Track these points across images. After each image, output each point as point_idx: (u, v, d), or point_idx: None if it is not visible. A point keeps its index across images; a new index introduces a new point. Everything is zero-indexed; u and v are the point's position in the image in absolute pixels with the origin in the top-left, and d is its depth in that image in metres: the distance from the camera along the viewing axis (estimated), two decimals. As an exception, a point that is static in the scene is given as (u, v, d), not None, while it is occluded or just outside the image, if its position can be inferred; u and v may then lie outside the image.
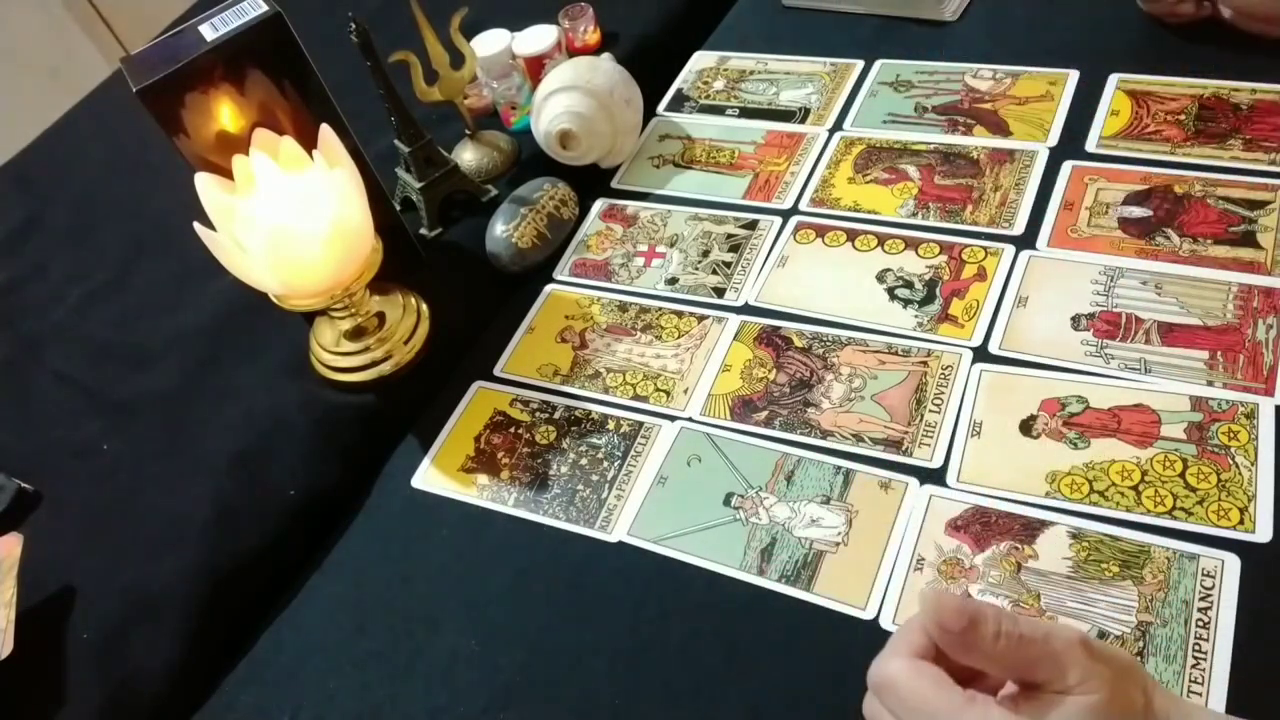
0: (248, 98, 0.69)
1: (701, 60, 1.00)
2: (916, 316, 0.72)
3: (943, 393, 0.67)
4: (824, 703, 0.55)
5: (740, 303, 0.77)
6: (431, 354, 0.78)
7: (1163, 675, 0.52)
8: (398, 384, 0.77)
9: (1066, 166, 0.78)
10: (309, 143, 0.70)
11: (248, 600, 0.69)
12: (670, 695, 0.57)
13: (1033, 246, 0.73)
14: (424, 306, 0.80)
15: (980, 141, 0.82)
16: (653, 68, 0.98)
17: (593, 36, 1.00)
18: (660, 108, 0.96)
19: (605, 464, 0.69)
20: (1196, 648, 0.52)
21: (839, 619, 0.58)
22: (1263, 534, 0.56)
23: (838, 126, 0.88)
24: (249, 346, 0.82)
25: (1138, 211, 0.73)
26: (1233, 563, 0.55)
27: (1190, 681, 0.51)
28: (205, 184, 0.67)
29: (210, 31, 0.67)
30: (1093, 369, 0.65)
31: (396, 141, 0.83)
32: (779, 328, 0.74)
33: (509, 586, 0.64)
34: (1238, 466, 0.58)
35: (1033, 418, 0.64)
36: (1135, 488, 0.59)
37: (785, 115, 0.91)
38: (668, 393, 0.72)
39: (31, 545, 0.71)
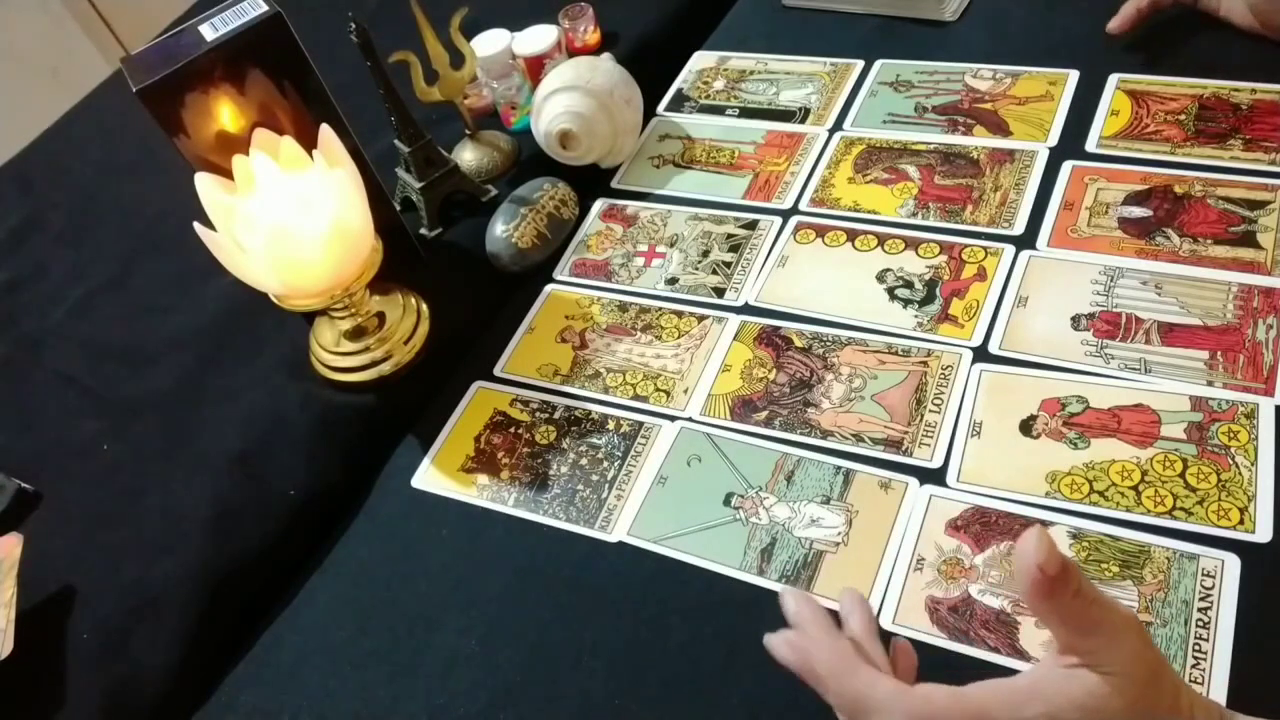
0: (248, 98, 0.69)
1: (701, 60, 1.00)
2: (916, 316, 0.72)
3: (943, 393, 0.67)
4: (824, 702, 0.55)
5: (740, 303, 0.77)
6: (431, 354, 0.78)
7: (1163, 675, 0.52)
8: (398, 384, 0.77)
9: (1066, 166, 0.78)
10: (309, 143, 0.70)
11: (248, 600, 0.69)
12: (670, 695, 0.57)
13: (1033, 246, 0.73)
14: (424, 306, 0.80)
15: (980, 141, 0.82)
16: (653, 68, 0.98)
17: (593, 36, 1.00)
18: (660, 108, 0.96)
19: (605, 464, 0.69)
20: (1196, 648, 0.52)
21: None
22: (1263, 534, 0.56)
23: (838, 126, 0.88)
24: (249, 346, 0.82)
25: (1138, 211, 0.73)
26: (1233, 563, 0.55)
27: (1190, 681, 0.51)
28: (205, 184, 0.67)
29: (210, 31, 0.67)
30: (1093, 369, 0.65)
31: (396, 141, 0.83)
32: (779, 328, 0.74)
33: (509, 586, 0.65)
34: (1238, 466, 0.58)
35: (1033, 418, 0.64)
36: (1135, 488, 0.59)
37: (785, 115, 0.91)
38: (668, 393, 0.72)
39: (31, 545, 0.71)
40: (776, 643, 0.48)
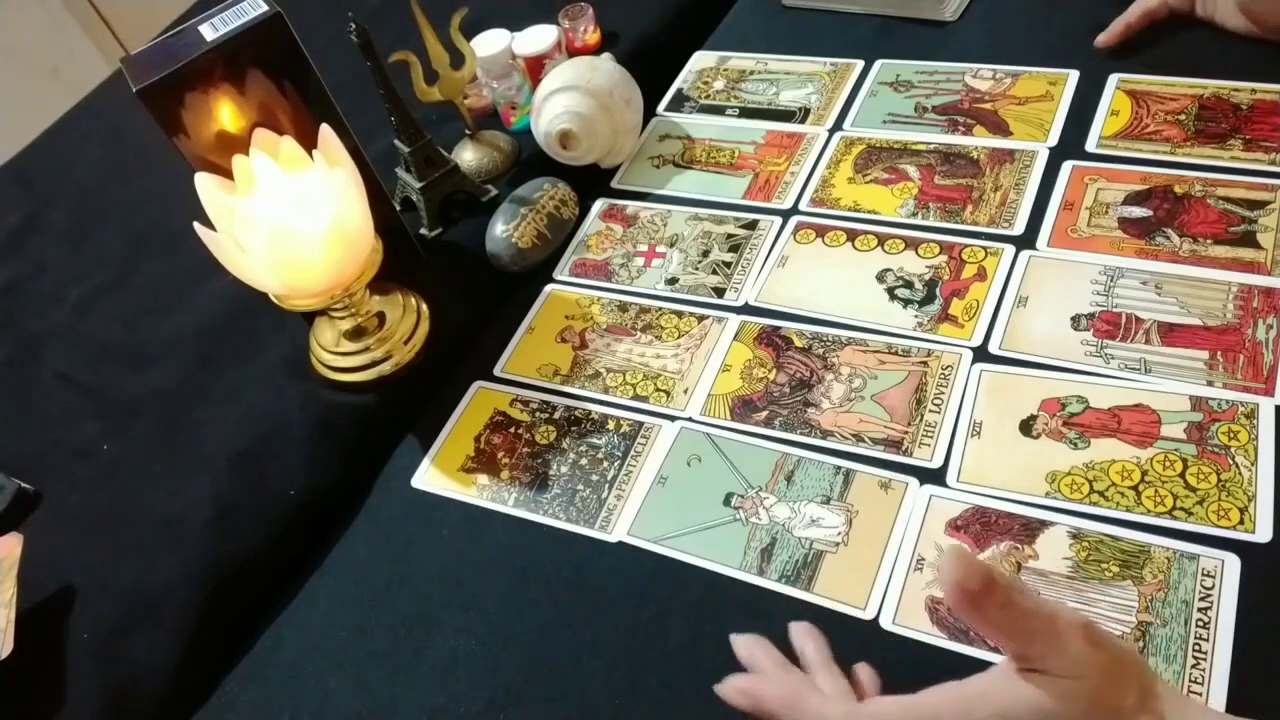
0: (248, 98, 0.69)
1: (701, 60, 1.00)
2: (916, 316, 0.72)
3: (943, 393, 0.67)
4: (824, 703, 0.55)
5: (740, 303, 0.77)
6: (431, 354, 0.78)
7: (1163, 675, 0.52)
8: (398, 384, 0.77)
9: (1066, 166, 0.78)
10: (309, 143, 0.70)
11: (248, 600, 0.69)
12: (670, 695, 0.57)
13: (1033, 246, 0.73)
14: (424, 306, 0.80)
15: (980, 141, 0.82)
16: (653, 68, 0.97)
17: (593, 36, 1.00)
18: (660, 108, 0.96)
19: (605, 464, 0.69)
20: (1196, 648, 0.52)
21: (839, 619, 0.58)
22: (1263, 534, 0.56)
23: (838, 126, 0.88)
24: (249, 346, 0.82)
25: (1138, 211, 0.73)
26: (1233, 563, 0.55)
27: (1190, 681, 0.51)
28: (205, 184, 0.67)
29: (210, 31, 0.67)
30: (1093, 369, 0.65)
31: (396, 141, 0.83)
32: (779, 328, 0.74)
33: (509, 586, 0.64)
34: (1238, 466, 0.58)
35: (1033, 418, 0.64)
36: (1135, 488, 0.59)
37: (785, 115, 0.91)
38: (668, 393, 0.72)
39: (31, 545, 0.71)
40: (727, 691, 0.50)
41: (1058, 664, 0.40)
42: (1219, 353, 0.64)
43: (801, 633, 0.53)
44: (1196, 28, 0.83)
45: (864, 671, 0.51)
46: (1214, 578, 0.55)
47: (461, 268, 0.85)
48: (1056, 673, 0.40)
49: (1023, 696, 0.41)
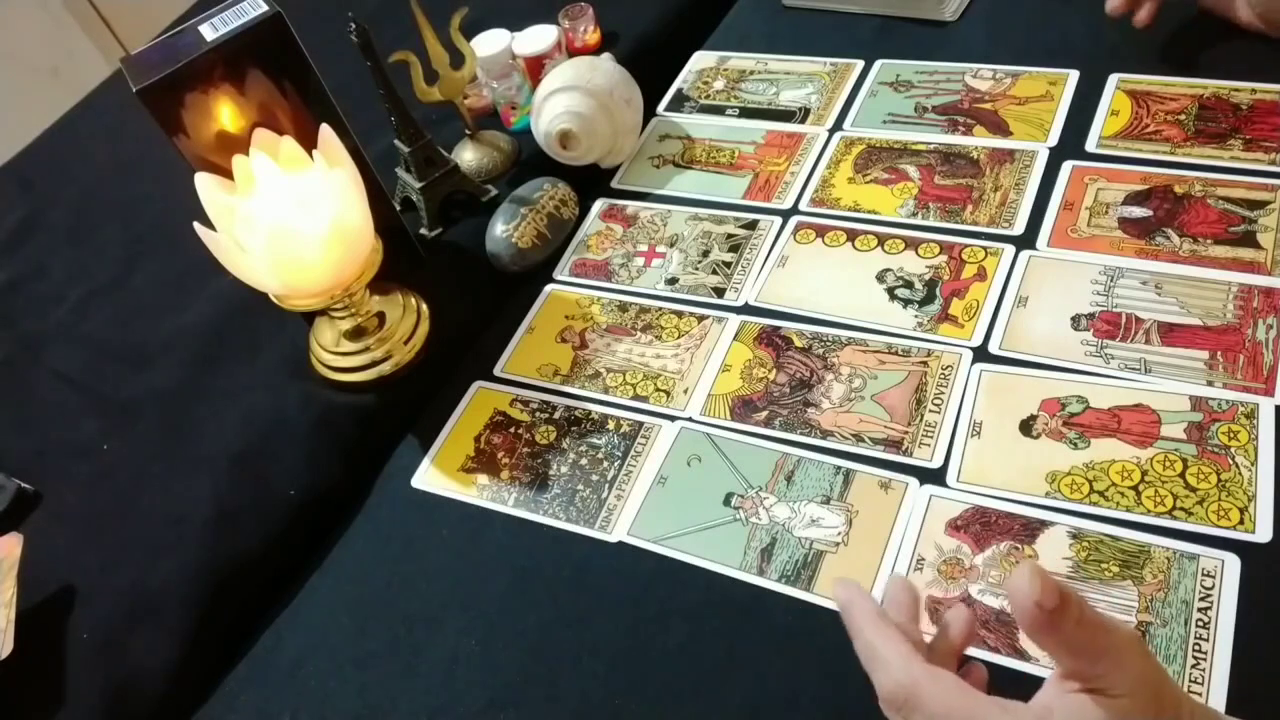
0: (248, 98, 0.69)
1: (701, 60, 1.00)
2: (916, 316, 0.72)
3: (943, 393, 0.67)
4: (824, 703, 0.55)
5: (740, 303, 0.77)
6: (431, 354, 0.78)
7: (1163, 675, 0.52)
8: (398, 384, 0.77)
9: (1066, 166, 0.78)
10: (309, 143, 0.70)
11: (248, 600, 0.69)
12: (670, 695, 0.57)
13: (1033, 246, 0.73)
14: (424, 306, 0.80)
15: (980, 141, 0.82)
16: (653, 68, 0.98)
17: (593, 36, 1.00)
18: (660, 108, 0.96)
19: (605, 464, 0.69)
20: (1196, 648, 0.52)
21: (839, 619, 0.58)
22: (1263, 534, 0.56)
23: (838, 126, 0.88)
24: (249, 346, 0.82)
25: (1138, 211, 0.73)
26: (1233, 563, 0.55)
27: (1190, 681, 0.51)
28: (205, 184, 0.67)
29: (210, 31, 0.67)
30: (1093, 369, 0.65)
31: (396, 141, 0.83)
32: (779, 328, 0.74)
33: (509, 586, 0.65)
34: (1238, 466, 0.58)
35: (1033, 418, 0.64)
36: (1135, 488, 0.59)
37: (785, 115, 0.91)
38: (668, 393, 0.72)
39: (31, 545, 0.70)
40: (837, 589, 0.47)
41: (1117, 682, 0.39)
42: (1219, 353, 0.64)
43: (897, 586, 0.50)
44: (1197, 28, 0.83)
45: (955, 620, 0.48)
46: (1214, 578, 0.55)
47: (461, 268, 0.85)
48: (1114, 692, 0.39)
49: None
